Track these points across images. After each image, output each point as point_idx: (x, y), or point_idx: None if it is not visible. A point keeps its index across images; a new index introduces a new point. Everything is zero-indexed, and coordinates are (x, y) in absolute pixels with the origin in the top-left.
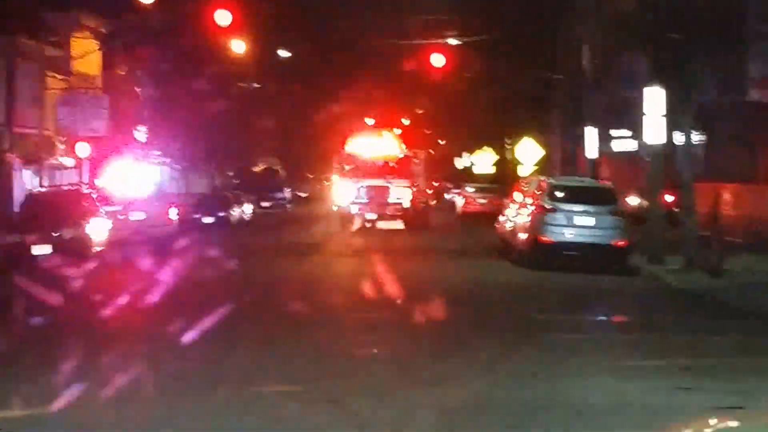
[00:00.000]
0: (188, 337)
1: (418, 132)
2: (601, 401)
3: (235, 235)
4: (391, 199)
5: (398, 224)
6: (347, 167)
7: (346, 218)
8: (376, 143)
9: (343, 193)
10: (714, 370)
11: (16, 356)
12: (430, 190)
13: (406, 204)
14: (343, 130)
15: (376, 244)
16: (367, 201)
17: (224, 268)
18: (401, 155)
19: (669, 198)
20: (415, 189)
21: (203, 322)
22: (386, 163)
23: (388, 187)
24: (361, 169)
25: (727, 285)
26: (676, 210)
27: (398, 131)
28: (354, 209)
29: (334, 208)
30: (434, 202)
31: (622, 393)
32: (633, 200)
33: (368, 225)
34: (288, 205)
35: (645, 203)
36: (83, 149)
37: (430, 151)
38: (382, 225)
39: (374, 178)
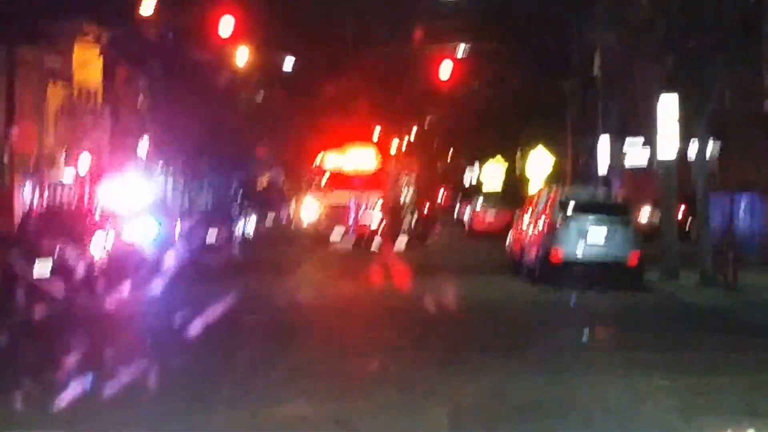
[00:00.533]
0: (190, 356)
1: (427, 143)
2: (611, 421)
3: (239, 251)
4: (360, 216)
5: (376, 242)
6: (317, 182)
7: (315, 236)
8: (348, 158)
9: (312, 209)
10: (729, 389)
11: (15, 369)
12: (429, 203)
13: (377, 221)
14: (349, 142)
15: (379, 262)
16: (334, 218)
17: (225, 285)
18: (374, 170)
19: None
20: (389, 204)
21: (205, 340)
22: (357, 178)
23: (357, 204)
24: (331, 185)
25: (743, 301)
26: (688, 222)
27: (395, 146)
28: (322, 227)
29: (304, 225)
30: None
31: (634, 412)
32: (644, 213)
33: (338, 243)
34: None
35: (657, 216)
36: (84, 162)
37: (438, 163)
38: (375, 246)
39: (343, 195)
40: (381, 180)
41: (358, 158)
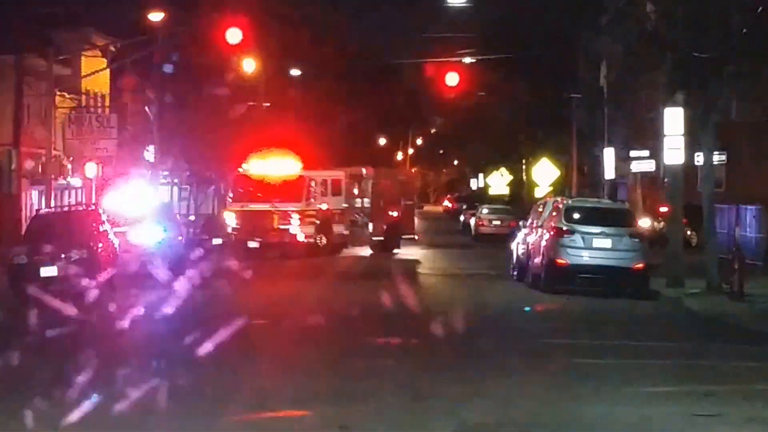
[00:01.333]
0: (197, 358)
1: (433, 151)
2: (617, 427)
3: (242, 257)
4: (277, 225)
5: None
6: (238, 190)
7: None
8: (270, 164)
9: (232, 218)
10: (735, 396)
11: (24, 376)
12: (394, 212)
13: (295, 230)
14: (354, 150)
15: (380, 267)
16: (249, 226)
17: (228, 289)
18: (295, 177)
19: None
20: (313, 212)
21: (211, 343)
22: (278, 185)
23: (271, 212)
24: (251, 192)
25: (749, 309)
26: (689, 232)
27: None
28: (241, 235)
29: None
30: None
31: (639, 419)
32: (645, 222)
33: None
34: None
35: (658, 225)
36: (91, 169)
37: (412, 170)
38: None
39: (260, 202)
40: (299, 187)
41: (275, 165)
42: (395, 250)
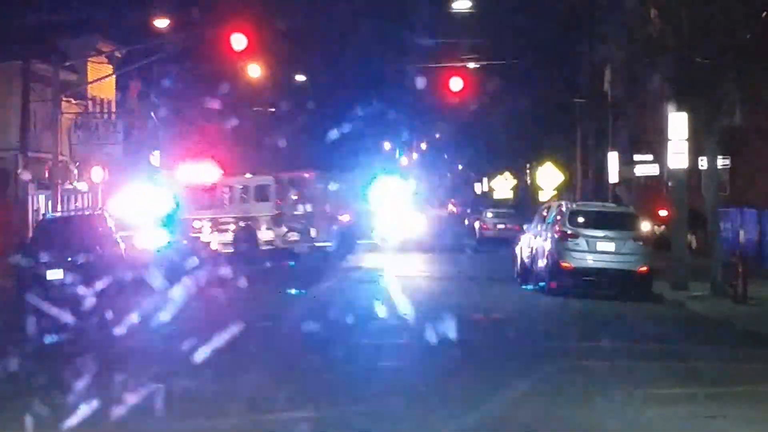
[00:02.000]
0: (200, 359)
1: (437, 156)
2: (620, 428)
3: (246, 259)
4: (191, 233)
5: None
6: None
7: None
8: (186, 171)
9: None
10: (738, 397)
11: (30, 378)
12: (344, 216)
13: (207, 238)
14: (358, 154)
15: (379, 267)
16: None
17: (232, 290)
18: (209, 183)
19: None
20: (229, 220)
21: (216, 343)
22: (193, 193)
23: (185, 221)
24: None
25: (752, 312)
26: (691, 236)
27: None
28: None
29: None
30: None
31: (642, 420)
32: (645, 226)
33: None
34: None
35: (658, 229)
36: (97, 174)
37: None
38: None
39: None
40: (212, 194)
41: (191, 172)
42: (348, 256)
